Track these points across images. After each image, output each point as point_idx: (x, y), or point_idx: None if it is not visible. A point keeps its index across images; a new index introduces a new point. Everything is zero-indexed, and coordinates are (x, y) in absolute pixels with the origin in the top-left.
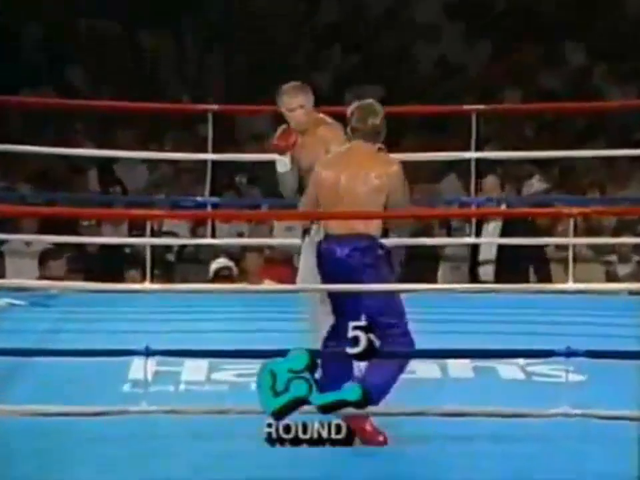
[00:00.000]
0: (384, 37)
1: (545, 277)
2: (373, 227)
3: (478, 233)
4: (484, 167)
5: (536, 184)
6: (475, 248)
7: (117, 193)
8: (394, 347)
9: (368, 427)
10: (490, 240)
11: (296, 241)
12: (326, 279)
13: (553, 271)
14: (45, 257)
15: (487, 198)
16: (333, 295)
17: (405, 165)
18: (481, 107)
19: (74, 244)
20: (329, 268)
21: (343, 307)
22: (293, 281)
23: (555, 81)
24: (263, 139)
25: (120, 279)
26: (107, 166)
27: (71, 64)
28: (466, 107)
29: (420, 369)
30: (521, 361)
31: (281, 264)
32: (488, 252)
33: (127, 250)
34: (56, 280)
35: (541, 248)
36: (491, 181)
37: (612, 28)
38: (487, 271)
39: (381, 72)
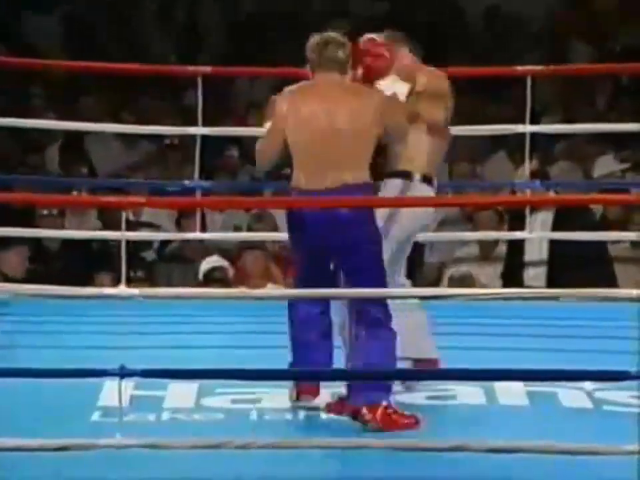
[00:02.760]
0: None
1: (610, 281)
2: (363, 171)
3: (519, 227)
4: (543, 142)
5: (610, 164)
6: (513, 245)
7: (83, 174)
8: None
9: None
10: (542, 234)
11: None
12: (305, 253)
13: (628, 274)
14: None
15: (537, 183)
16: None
17: None
18: (538, 67)
19: (30, 238)
20: (309, 240)
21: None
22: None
23: (636, 35)
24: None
25: (88, 281)
26: (71, 142)
27: (28, 14)
28: (519, 68)
29: (461, 393)
30: (588, 384)
31: (287, 264)
32: (536, 250)
33: (97, 246)
34: (8, 282)
35: (602, 245)
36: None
37: None
38: (536, 274)
39: (416, 24)
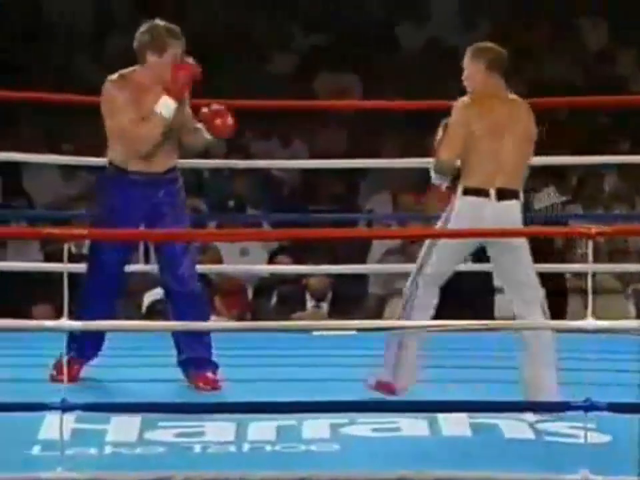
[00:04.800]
0: (358, 13)
1: (561, 312)
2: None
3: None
4: None
5: (549, 196)
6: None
7: (22, 206)
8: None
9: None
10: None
11: (252, 267)
12: None
13: (571, 305)
14: None
15: None
16: None
17: (386, 172)
18: None
19: None
20: None
21: None
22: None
23: (569, 68)
24: None
25: (29, 314)
26: (11, 172)
27: None
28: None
29: (404, 425)
30: (530, 416)
31: (233, 296)
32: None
33: (38, 279)
34: None
35: (558, 276)
36: None
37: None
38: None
39: (354, 55)
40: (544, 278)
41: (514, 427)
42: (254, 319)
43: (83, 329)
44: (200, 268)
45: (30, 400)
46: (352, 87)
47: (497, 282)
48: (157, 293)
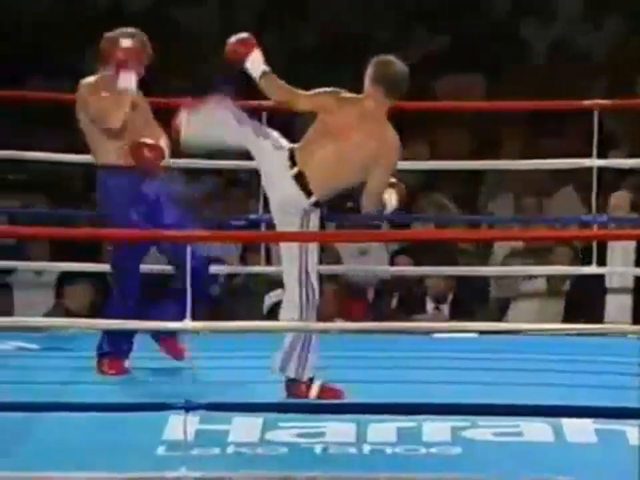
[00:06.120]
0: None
1: None
2: None
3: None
4: (609, 177)
5: None
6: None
7: None
8: None
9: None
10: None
11: (375, 268)
12: None
13: None
14: (61, 289)
15: (605, 217)
16: None
17: (508, 173)
18: (605, 101)
19: (96, 273)
20: None
21: None
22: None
23: None
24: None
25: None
26: None
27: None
28: (586, 102)
29: (528, 430)
30: None
31: (354, 297)
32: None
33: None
34: (75, 317)
35: None
36: (618, 197)
37: None
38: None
39: (480, 58)
40: None
41: None
42: (374, 320)
43: (206, 328)
44: (321, 269)
45: (154, 400)
46: (475, 88)
47: (608, 283)
48: (278, 295)
